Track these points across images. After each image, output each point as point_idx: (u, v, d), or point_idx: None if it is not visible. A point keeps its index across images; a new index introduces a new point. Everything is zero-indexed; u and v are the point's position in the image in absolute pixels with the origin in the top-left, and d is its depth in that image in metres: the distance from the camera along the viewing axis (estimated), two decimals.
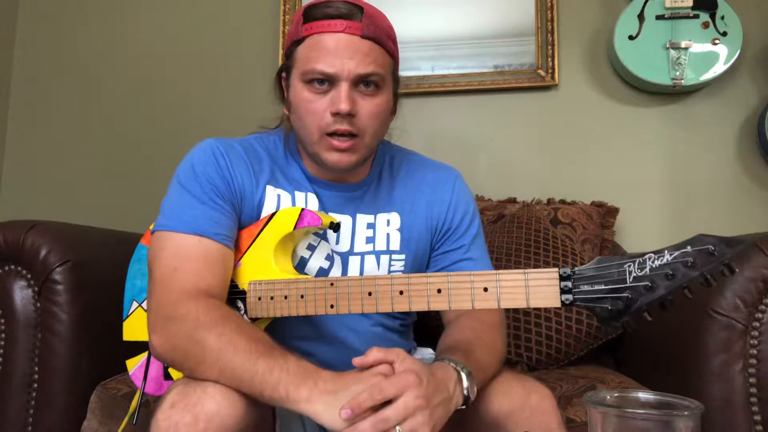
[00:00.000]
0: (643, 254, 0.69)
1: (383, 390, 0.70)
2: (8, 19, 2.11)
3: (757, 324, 1.09)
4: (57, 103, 2.10)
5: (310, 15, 0.89)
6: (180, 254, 0.86)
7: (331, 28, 0.87)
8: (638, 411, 0.64)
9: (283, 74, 0.96)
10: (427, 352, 1.10)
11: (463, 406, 0.78)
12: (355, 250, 0.98)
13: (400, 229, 1.01)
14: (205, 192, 0.90)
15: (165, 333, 0.82)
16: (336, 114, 0.87)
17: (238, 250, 0.93)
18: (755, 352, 1.09)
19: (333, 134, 0.89)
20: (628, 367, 1.39)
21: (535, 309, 1.38)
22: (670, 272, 0.68)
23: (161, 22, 2.07)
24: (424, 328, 1.18)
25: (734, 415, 1.07)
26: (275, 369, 0.73)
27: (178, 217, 0.89)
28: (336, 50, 0.86)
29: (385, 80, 0.91)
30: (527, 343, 1.37)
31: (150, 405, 1.09)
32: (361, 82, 0.88)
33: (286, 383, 0.72)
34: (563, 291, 0.71)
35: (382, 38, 0.90)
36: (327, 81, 0.88)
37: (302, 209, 0.90)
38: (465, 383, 0.78)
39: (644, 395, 0.69)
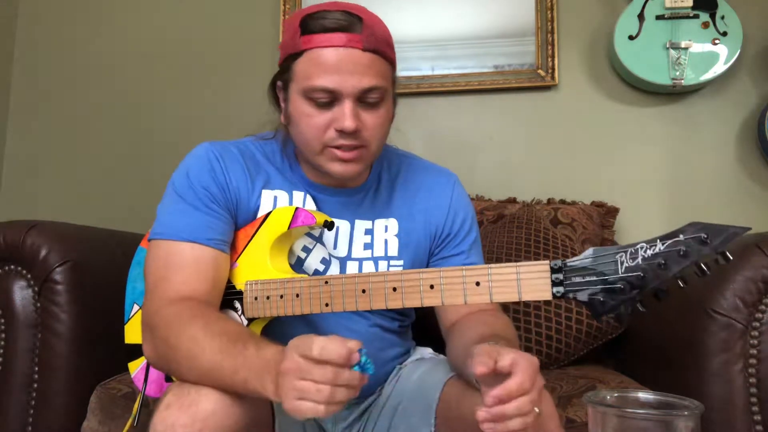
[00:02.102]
0: (635, 244, 0.68)
1: (533, 378, 0.67)
2: (8, 19, 2.11)
3: (757, 324, 1.09)
4: (57, 103, 2.09)
5: (307, 27, 0.86)
6: (170, 262, 0.87)
7: (331, 43, 0.84)
8: (638, 411, 0.64)
9: (278, 83, 0.94)
10: (427, 352, 1.10)
11: None
12: (353, 255, 0.98)
13: (398, 235, 1.00)
14: (200, 198, 0.90)
15: (150, 342, 0.84)
16: (341, 131, 0.87)
17: (234, 250, 0.93)
18: (755, 352, 1.09)
19: (336, 147, 0.89)
20: (628, 367, 1.39)
21: (535, 309, 1.38)
22: (663, 261, 0.66)
23: (161, 23, 2.07)
24: (423, 328, 1.18)
25: (734, 415, 1.07)
26: (239, 368, 0.72)
27: (172, 225, 0.89)
28: (338, 66, 0.84)
29: (387, 90, 0.90)
30: (527, 343, 1.37)
31: (150, 406, 1.09)
32: (364, 96, 0.87)
33: (252, 380, 0.71)
34: (555, 283, 0.70)
35: (382, 47, 0.87)
36: (329, 97, 0.86)
37: (296, 208, 0.90)
38: None
39: (644, 395, 0.69)
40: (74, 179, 2.06)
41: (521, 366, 0.67)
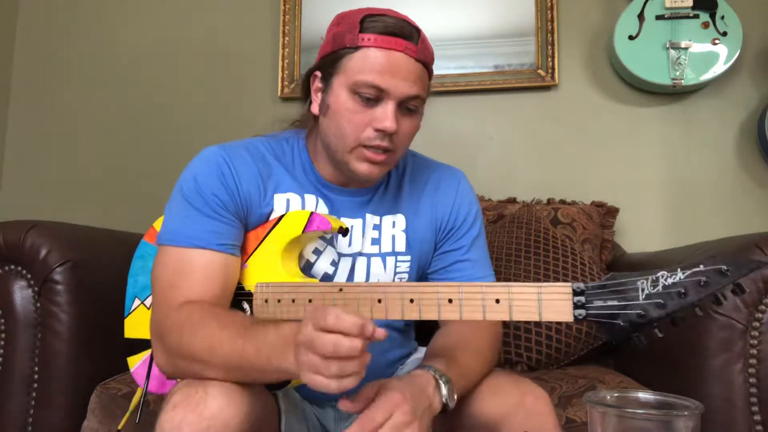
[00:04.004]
0: (656, 271, 0.69)
1: (374, 419, 0.71)
2: (8, 19, 2.11)
3: (757, 324, 1.09)
4: (57, 103, 2.10)
5: (369, 26, 0.88)
6: (179, 269, 0.87)
7: (391, 46, 0.87)
8: (638, 411, 0.64)
9: (316, 73, 0.94)
10: None
11: (443, 412, 0.81)
12: (363, 251, 0.98)
13: (406, 231, 1.01)
14: (209, 205, 0.90)
15: (162, 349, 0.84)
16: (379, 131, 0.88)
17: (244, 252, 0.93)
18: (755, 352, 1.09)
19: (369, 147, 0.90)
20: (628, 367, 1.39)
21: None
22: (683, 290, 0.68)
23: (162, 23, 2.07)
24: (425, 328, 1.18)
25: (734, 415, 1.07)
26: (262, 347, 0.74)
27: (180, 231, 0.89)
28: (393, 69, 0.87)
29: (424, 102, 0.93)
30: (527, 343, 1.37)
31: (150, 404, 1.09)
32: (407, 102, 0.89)
33: (275, 356, 0.73)
34: (576, 306, 0.72)
35: (429, 62, 0.92)
36: (376, 95, 0.88)
37: (311, 213, 0.90)
38: (443, 390, 0.80)
39: (644, 395, 0.69)
40: (74, 179, 2.06)
41: (376, 404, 0.73)
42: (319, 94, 0.94)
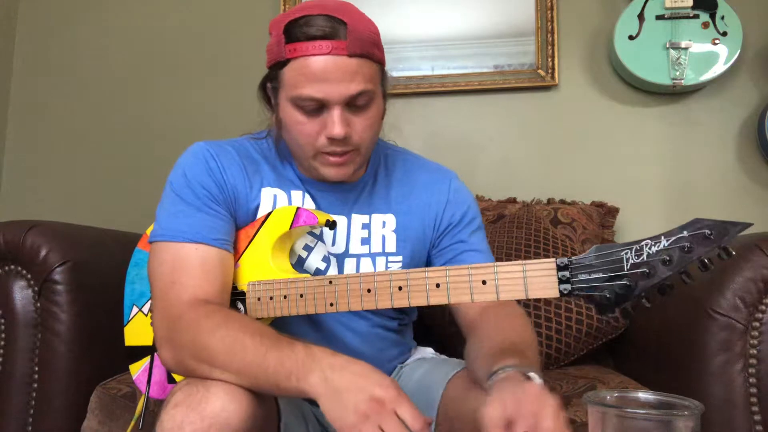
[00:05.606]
0: (640, 241, 0.69)
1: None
2: (8, 19, 2.11)
3: (757, 324, 1.09)
4: (56, 103, 2.09)
5: (291, 35, 0.85)
6: (178, 265, 0.87)
7: (317, 51, 0.84)
8: (638, 411, 0.64)
9: (269, 86, 0.94)
10: (428, 352, 1.10)
11: None
12: (351, 251, 0.98)
13: (396, 231, 1.01)
14: (199, 198, 0.90)
15: (172, 347, 0.83)
16: (331, 138, 0.87)
17: (235, 251, 0.93)
18: (755, 352, 1.08)
19: (328, 153, 0.89)
20: (628, 367, 1.39)
21: (535, 309, 1.38)
22: (667, 257, 0.67)
23: (160, 23, 2.07)
24: (424, 328, 1.18)
25: (734, 415, 1.07)
26: (285, 360, 0.74)
27: (174, 226, 0.89)
28: (324, 74, 0.84)
29: (376, 91, 0.90)
30: None
31: (150, 406, 1.09)
32: (353, 100, 0.87)
33: (298, 373, 0.73)
34: (561, 281, 0.71)
35: (368, 50, 0.87)
36: (317, 104, 0.87)
37: (298, 208, 0.90)
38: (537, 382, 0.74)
39: (644, 395, 0.69)
40: (74, 179, 2.06)
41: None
42: (274, 108, 0.94)
